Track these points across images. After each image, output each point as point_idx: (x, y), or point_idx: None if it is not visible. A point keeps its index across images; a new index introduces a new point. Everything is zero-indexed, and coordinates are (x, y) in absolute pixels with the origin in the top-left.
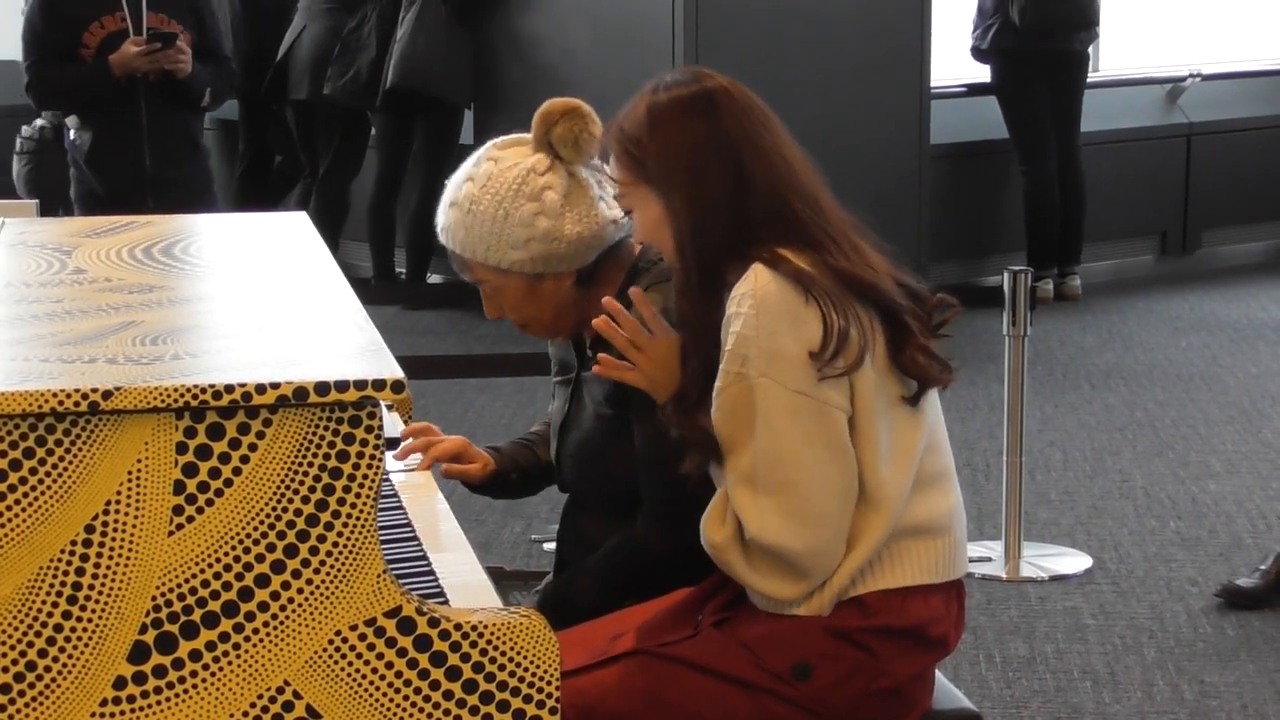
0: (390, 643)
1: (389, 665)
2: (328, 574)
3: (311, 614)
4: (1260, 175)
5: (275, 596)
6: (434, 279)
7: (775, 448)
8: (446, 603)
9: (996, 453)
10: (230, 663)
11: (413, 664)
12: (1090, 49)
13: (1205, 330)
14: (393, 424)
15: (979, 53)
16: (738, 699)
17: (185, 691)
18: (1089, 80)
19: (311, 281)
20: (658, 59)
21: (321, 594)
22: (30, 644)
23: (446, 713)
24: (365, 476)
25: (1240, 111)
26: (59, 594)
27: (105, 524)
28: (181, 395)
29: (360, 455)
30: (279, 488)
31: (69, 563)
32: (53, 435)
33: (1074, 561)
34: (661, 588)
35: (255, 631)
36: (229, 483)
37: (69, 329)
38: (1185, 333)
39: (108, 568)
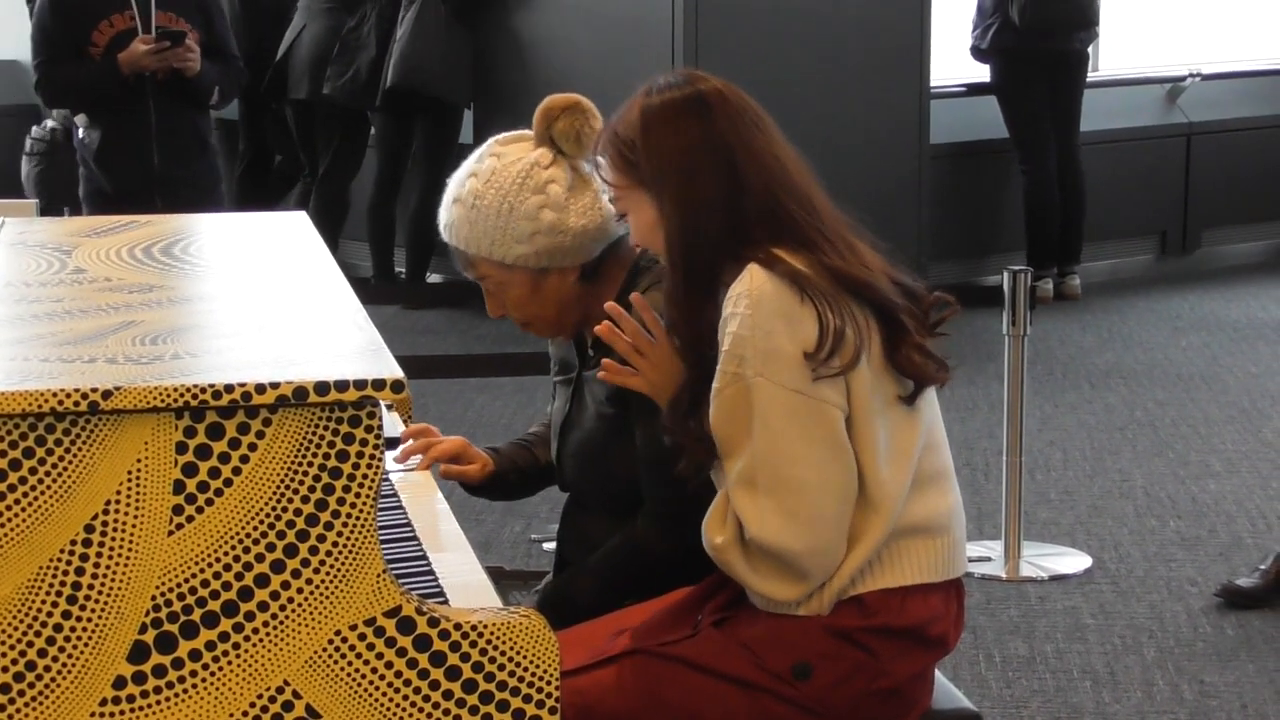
0: (390, 642)
1: (389, 665)
2: (328, 574)
3: (311, 614)
4: (1260, 175)
5: (275, 596)
6: (434, 278)
7: (773, 447)
8: (446, 603)
9: (996, 452)
10: (230, 662)
11: (412, 664)
12: (1090, 49)
13: (1205, 330)
14: (393, 424)
15: (979, 52)
16: (737, 699)
17: (185, 691)
18: (1089, 80)
19: (311, 281)
20: (657, 59)
21: (321, 594)
22: (30, 644)
23: (446, 712)
24: (365, 476)
25: (1240, 111)
26: (59, 594)
27: (105, 524)
28: (181, 395)
29: (360, 455)
30: (279, 487)
31: (69, 562)
32: (53, 435)
33: (1074, 561)
34: (661, 587)
35: (255, 631)
36: (229, 482)
37: (69, 329)
38: (1185, 332)
39: (107, 567)
